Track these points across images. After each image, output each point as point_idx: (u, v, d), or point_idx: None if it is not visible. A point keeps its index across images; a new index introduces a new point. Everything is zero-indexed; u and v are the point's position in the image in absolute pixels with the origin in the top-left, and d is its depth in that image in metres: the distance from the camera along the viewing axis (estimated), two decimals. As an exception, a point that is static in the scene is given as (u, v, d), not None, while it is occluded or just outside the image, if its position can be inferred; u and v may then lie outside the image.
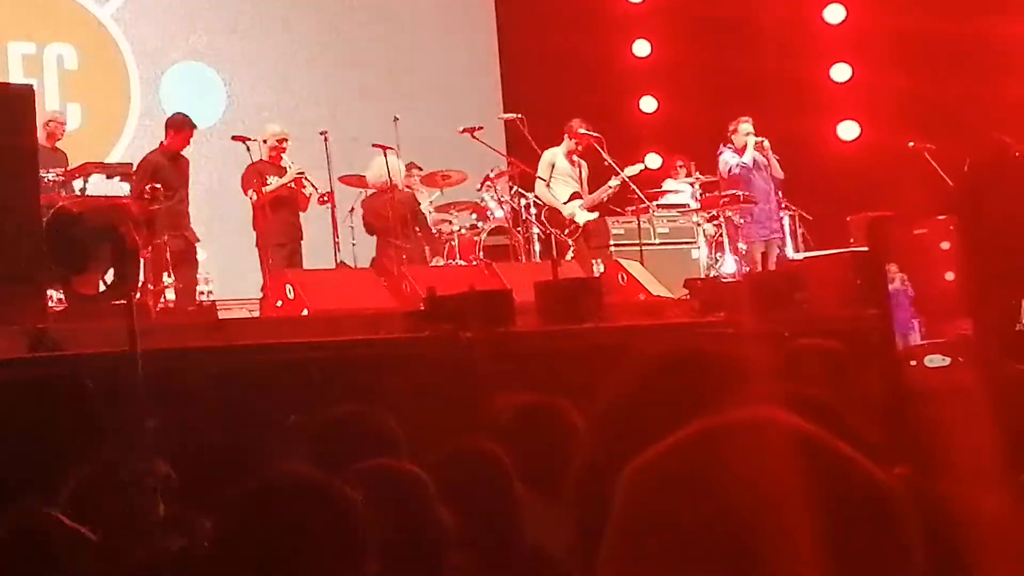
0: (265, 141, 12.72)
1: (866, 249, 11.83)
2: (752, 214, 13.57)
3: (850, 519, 1.36)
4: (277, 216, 12.43)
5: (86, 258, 8.96)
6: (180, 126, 12.20)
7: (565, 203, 13.37)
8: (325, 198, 12.63)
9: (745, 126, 13.81)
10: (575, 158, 13.57)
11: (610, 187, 13.38)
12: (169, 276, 11.36)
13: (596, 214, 13.49)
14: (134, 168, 11.93)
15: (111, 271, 9.08)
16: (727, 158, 13.83)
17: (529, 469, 4.04)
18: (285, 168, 12.58)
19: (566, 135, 13.51)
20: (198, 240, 12.17)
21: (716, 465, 1.38)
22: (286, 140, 12.75)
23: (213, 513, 2.89)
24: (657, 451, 1.43)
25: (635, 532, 1.40)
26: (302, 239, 12.72)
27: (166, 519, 3.52)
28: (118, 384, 6.22)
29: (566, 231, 13.28)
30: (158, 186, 11.32)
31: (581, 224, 13.33)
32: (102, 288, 9.28)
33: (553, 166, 13.44)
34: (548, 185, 13.41)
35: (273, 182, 12.45)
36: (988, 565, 2.42)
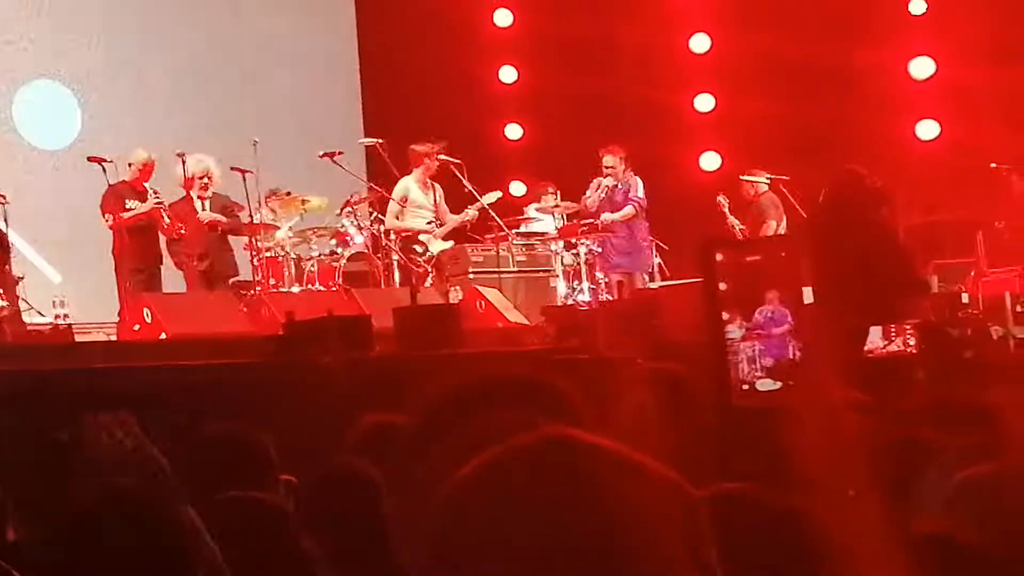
0: (130, 164, 12.62)
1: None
2: (612, 244, 13.73)
3: (651, 529, 1.42)
4: (135, 240, 12.31)
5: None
6: None
7: (419, 233, 13.40)
8: (182, 230, 12.53)
9: (607, 159, 14.00)
10: (428, 182, 13.59)
11: (467, 216, 13.45)
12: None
13: (451, 243, 13.50)
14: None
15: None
16: (589, 191, 14.02)
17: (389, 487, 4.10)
18: (147, 192, 12.48)
19: (425, 160, 13.50)
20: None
21: (512, 487, 1.43)
22: (152, 166, 12.64)
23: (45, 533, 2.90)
24: (456, 480, 1.48)
25: (445, 557, 1.45)
26: (161, 264, 12.64)
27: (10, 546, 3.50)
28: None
29: (421, 259, 13.30)
30: None
31: (435, 253, 13.37)
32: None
33: (407, 199, 13.43)
34: (399, 217, 13.39)
35: (133, 207, 12.35)
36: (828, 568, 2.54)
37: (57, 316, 11.86)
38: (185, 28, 16.02)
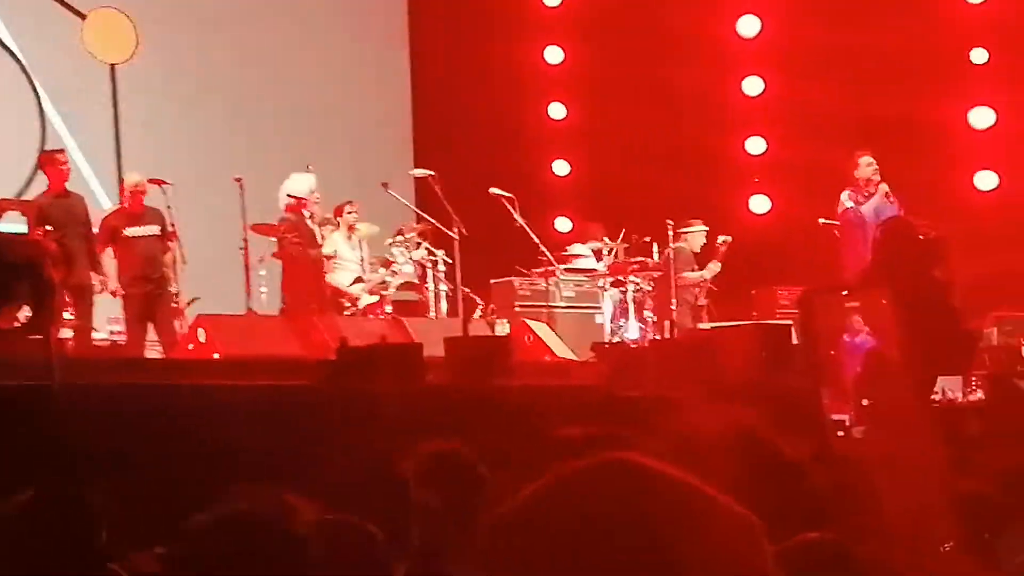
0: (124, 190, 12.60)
1: (771, 322, 12.09)
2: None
3: (707, 549, 1.43)
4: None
5: (2, 293, 8.88)
6: (47, 163, 12.00)
7: (349, 286, 13.19)
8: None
9: (865, 159, 12.92)
10: (353, 238, 13.48)
11: (384, 279, 13.27)
12: (69, 314, 11.24)
13: (377, 297, 13.23)
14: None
15: (26, 307, 9.01)
16: (843, 198, 12.92)
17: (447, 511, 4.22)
18: (143, 216, 12.30)
19: (347, 217, 13.42)
20: (93, 284, 11.76)
21: (570, 508, 1.45)
22: (143, 189, 12.44)
23: (168, 543, 2.91)
24: (513, 502, 1.50)
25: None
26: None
27: (106, 550, 3.52)
28: (36, 417, 6.19)
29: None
30: (49, 228, 11.18)
31: (361, 307, 13.12)
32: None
33: (335, 252, 13.24)
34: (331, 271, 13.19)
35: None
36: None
37: (112, 332, 11.93)
38: (240, 59, 16.09)
